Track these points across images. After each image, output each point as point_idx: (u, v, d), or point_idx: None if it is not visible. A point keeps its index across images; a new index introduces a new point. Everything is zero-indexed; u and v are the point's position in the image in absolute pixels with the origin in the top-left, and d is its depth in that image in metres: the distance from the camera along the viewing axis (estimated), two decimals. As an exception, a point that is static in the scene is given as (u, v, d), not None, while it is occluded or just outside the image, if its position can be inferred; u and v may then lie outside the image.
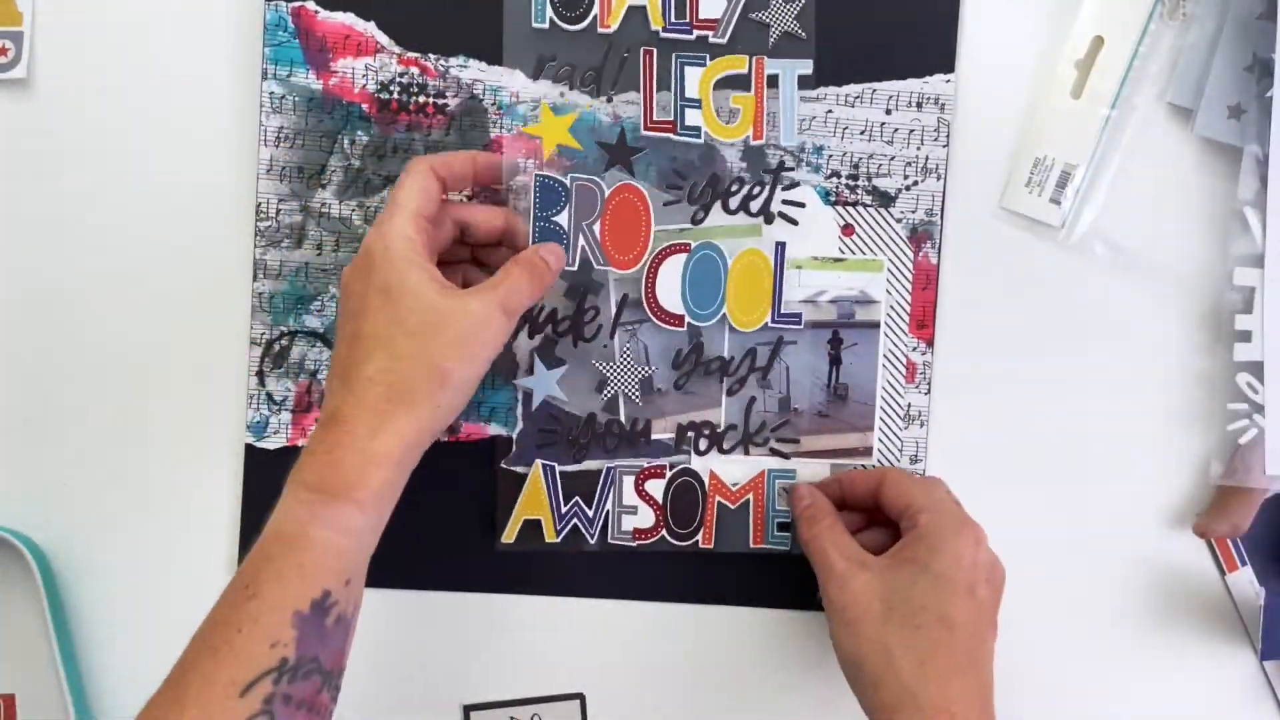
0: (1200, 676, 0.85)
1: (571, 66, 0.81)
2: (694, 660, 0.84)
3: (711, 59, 0.81)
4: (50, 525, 0.83)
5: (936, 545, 0.74)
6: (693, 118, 0.81)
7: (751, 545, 0.83)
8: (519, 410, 0.82)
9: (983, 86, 0.82)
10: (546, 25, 0.81)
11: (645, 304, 0.81)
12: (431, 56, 0.81)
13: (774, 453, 0.83)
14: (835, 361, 0.83)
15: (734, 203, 0.82)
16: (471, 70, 0.81)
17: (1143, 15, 0.81)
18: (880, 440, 0.83)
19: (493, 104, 0.81)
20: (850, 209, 0.82)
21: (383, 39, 0.81)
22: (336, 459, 0.67)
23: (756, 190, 0.82)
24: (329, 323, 0.82)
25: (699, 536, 0.83)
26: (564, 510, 0.82)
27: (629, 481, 0.83)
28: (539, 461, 0.82)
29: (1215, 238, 0.82)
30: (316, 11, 0.80)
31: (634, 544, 0.83)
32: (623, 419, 0.83)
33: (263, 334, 0.82)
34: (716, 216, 0.82)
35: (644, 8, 0.81)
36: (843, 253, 0.82)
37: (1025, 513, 0.83)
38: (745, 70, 0.81)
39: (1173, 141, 0.82)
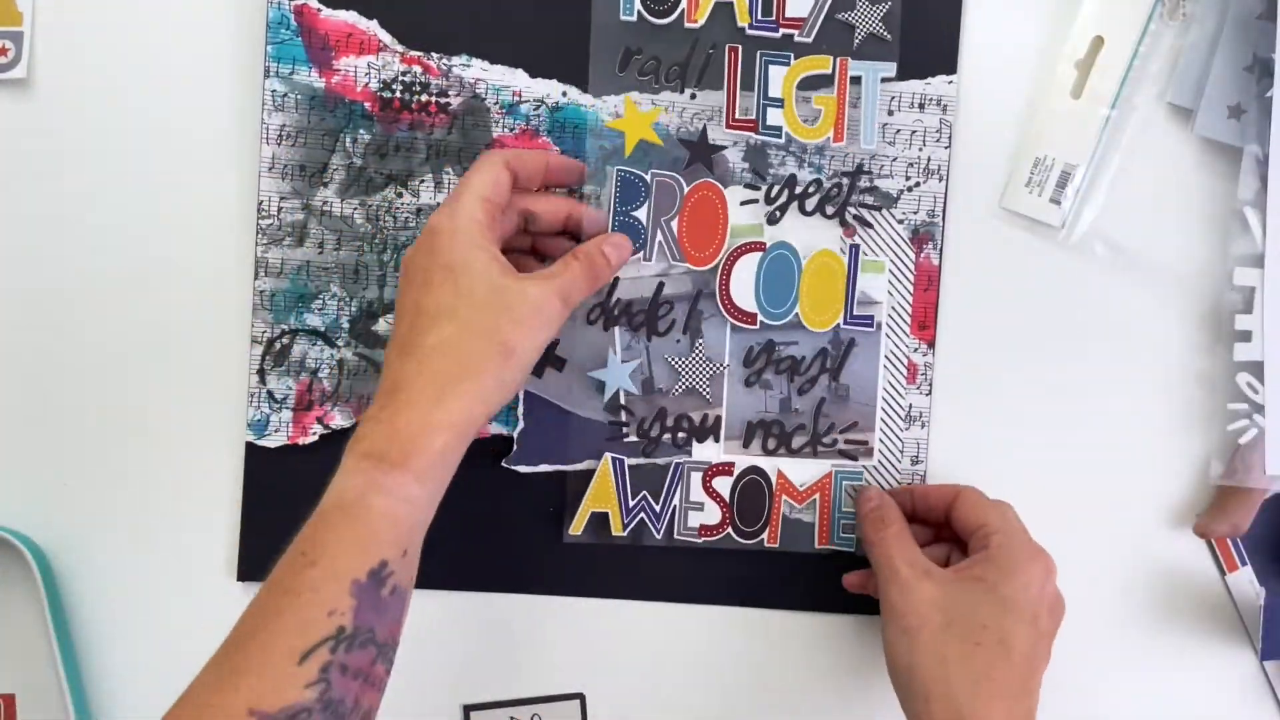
0: (1200, 676, 0.85)
1: (657, 60, 0.81)
2: (694, 660, 0.84)
3: (796, 58, 0.81)
4: (50, 525, 0.83)
5: (1007, 569, 0.74)
6: (774, 117, 0.81)
7: (817, 545, 0.83)
8: (520, 410, 0.82)
9: (983, 87, 0.82)
10: (634, 18, 0.81)
11: (719, 301, 0.82)
12: (434, 55, 0.81)
13: (842, 454, 0.83)
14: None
15: (810, 204, 0.82)
16: (474, 69, 0.81)
17: (1143, 15, 0.81)
18: (881, 440, 0.83)
19: (495, 103, 0.81)
20: (852, 210, 0.82)
21: (385, 37, 0.81)
22: (397, 428, 0.67)
23: (834, 192, 0.82)
24: (330, 321, 0.82)
25: (764, 535, 0.83)
26: (631, 504, 0.83)
27: (697, 478, 0.83)
28: (609, 455, 0.82)
29: (1215, 238, 0.82)
30: (319, 10, 0.80)
31: (699, 540, 0.83)
32: (693, 415, 0.83)
33: (264, 332, 0.82)
34: (792, 217, 0.82)
35: (731, 4, 0.81)
36: (844, 253, 0.83)
37: (1025, 512, 0.83)
38: (829, 71, 0.81)
39: (1173, 141, 0.82)
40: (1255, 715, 0.85)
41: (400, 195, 0.81)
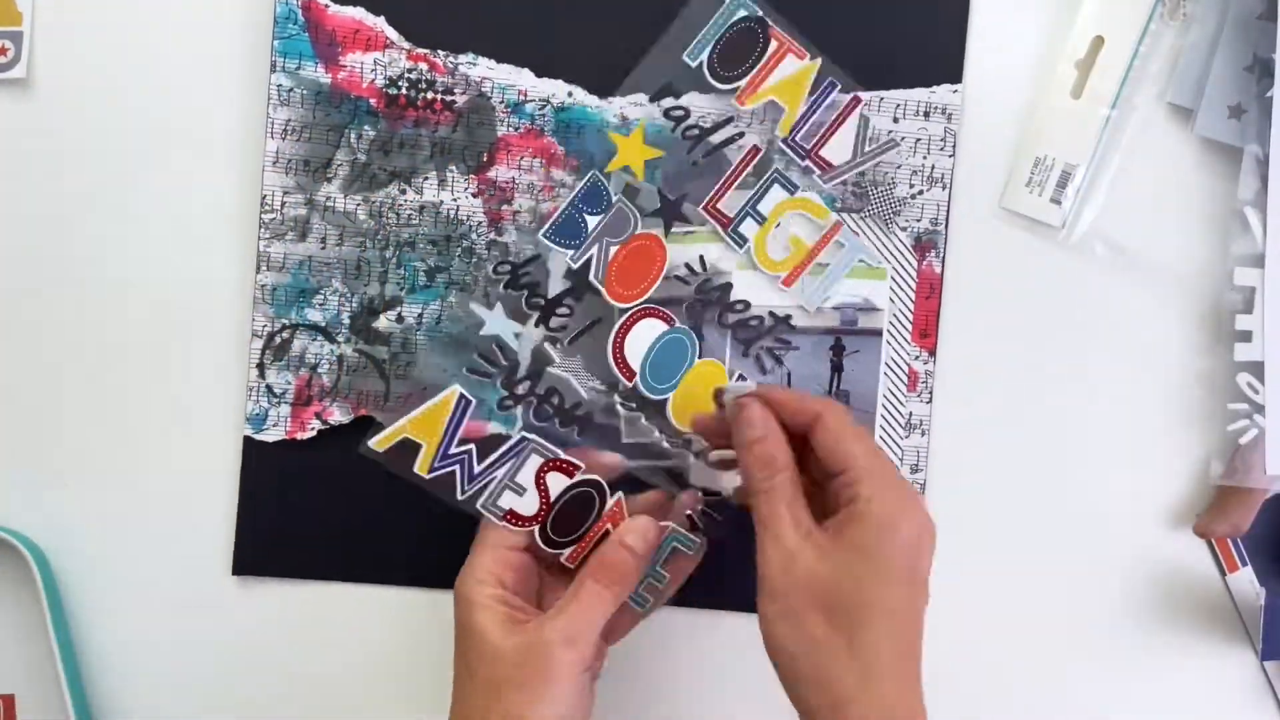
0: (1200, 676, 0.85)
1: (686, 111, 0.81)
2: (694, 660, 0.84)
3: (802, 193, 0.82)
4: (50, 525, 0.82)
5: (883, 531, 0.66)
6: (748, 229, 0.81)
7: None
8: (518, 409, 0.82)
9: (984, 88, 0.83)
10: (694, 64, 0.81)
11: (611, 345, 0.81)
12: (440, 53, 0.81)
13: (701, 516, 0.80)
14: (837, 368, 0.83)
15: (731, 318, 0.82)
16: (480, 68, 0.81)
17: (1143, 15, 0.81)
18: (881, 448, 0.82)
19: (500, 102, 0.81)
20: (855, 216, 0.83)
21: (392, 34, 0.81)
22: None
23: (754, 322, 0.82)
24: (331, 316, 0.81)
25: (565, 553, 0.77)
26: (452, 451, 0.77)
27: (534, 462, 0.77)
28: (459, 389, 0.77)
29: (1215, 238, 0.83)
30: (327, 5, 0.80)
31: (500, 524, 0.76)
32: (567, 398, 0.81)
33: (264, 327, 0.81)
34: (710, 316, 0.82)
35: (783, 109, 0.81)
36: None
37: (1025, 511, 0.84)
38: (824, 223, 0.82)
39: (1173, 141, 0.83)
40: (1255, 715, 0.85)
41: (404, 192, 0.81)
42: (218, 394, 0.82)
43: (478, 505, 0.76)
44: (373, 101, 0.81)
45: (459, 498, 0.76)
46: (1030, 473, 0.84)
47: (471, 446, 0.76)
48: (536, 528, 0.76)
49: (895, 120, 0.82)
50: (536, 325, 0.81)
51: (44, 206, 0.82)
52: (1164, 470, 0.84)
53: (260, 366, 0.82)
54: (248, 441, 0.82)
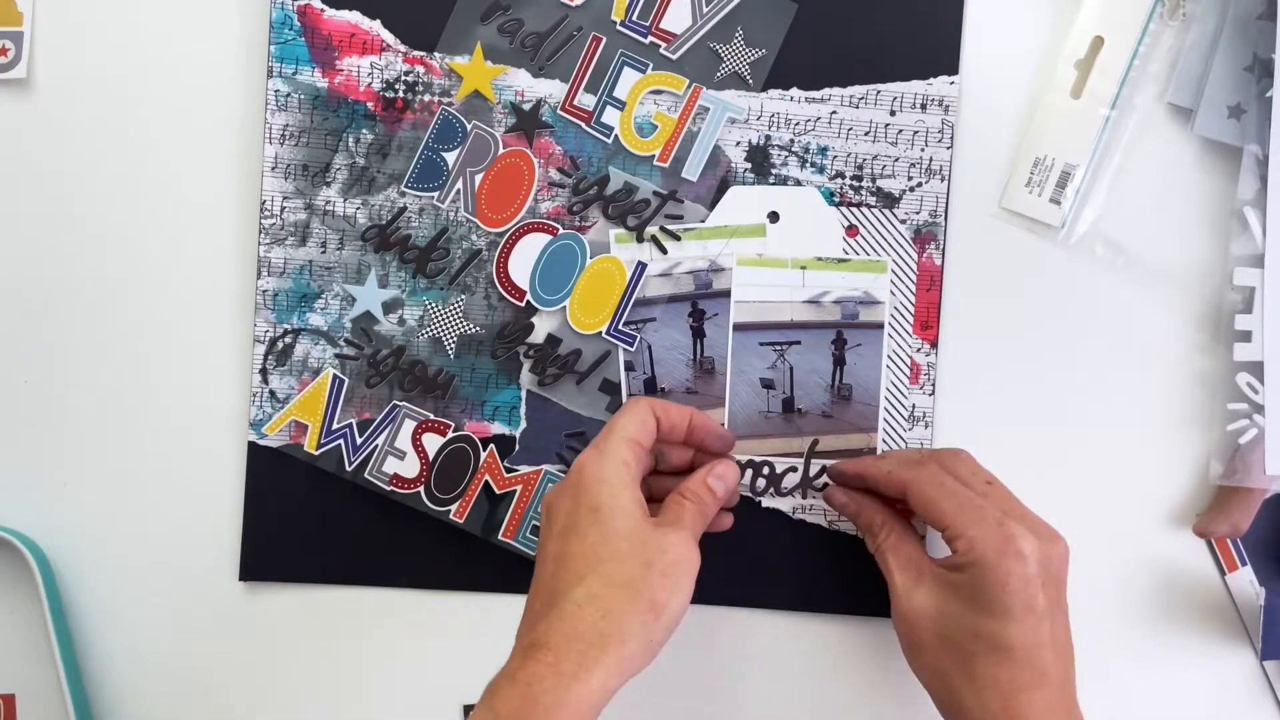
0: (1200, 676, 0.85)
1: (519, 22, 0.81)
2: (693, 660, 0.84)
3: (654, 69, 0.81)
4: (50, 525, 0.82)
5: (980, 575, 0.70)
6: (610, 117, 0.81)
7: (500, 537, 0.82)
8: (522, 409, 0.82)
9: (983, 87, 0.83)
10: None
11: (495, 269, 0.81)
12: (436, 55, 0.81)
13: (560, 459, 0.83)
14: (839, 362, 0.83)
15: (614, 209, 0.82)
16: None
17: (1143, 15, 0.81)
18: (884, 441, 0.83)
19: (498, 103, 0.81)
20: (854, 210, 0.82)
21: (388, 37, 0.81)
22: (535, 696, 0.64)
23: (640, 206, 0.82)
24: (332, 320, 0.82)
25: (453, 508, 0.82)
26: (334, 426, 0.81)
27: (409, 426, 0.82)
28: (331, 371, 0.82)
29: (1215, 238, 0.82)
30: (322, 10, 0.80)
31: (388, 489, 0.81)
32: (431, 367, 0.82)
33: (266, 332, 0.81)
34: (595, 215, 0.82)
35: None
36: (847, 253, 0.82)
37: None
38: (680, 92, 0.82)
39: (1173, 141, 0.83)
40: (1255, 715, 0.85)
41: (403, 195, 0.81)
42: (221, 398, 0.83)
43: (365, 474, 0.80)
44: (370, 105, 0.81)
45: (348, 469, 0.80)
46: (1030, 473, 0.83)
47: (352, 421, 0.81)
48: (421, 488, 0.80)
49: (892, 113, 0.82)
50: (415, 276, 0.82)
51: (44, 207, 0.82)
52: (1164, 470, 0.84)
53: (264, 372, 0.82)
54: (252, 447, 0.82)
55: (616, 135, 0.81)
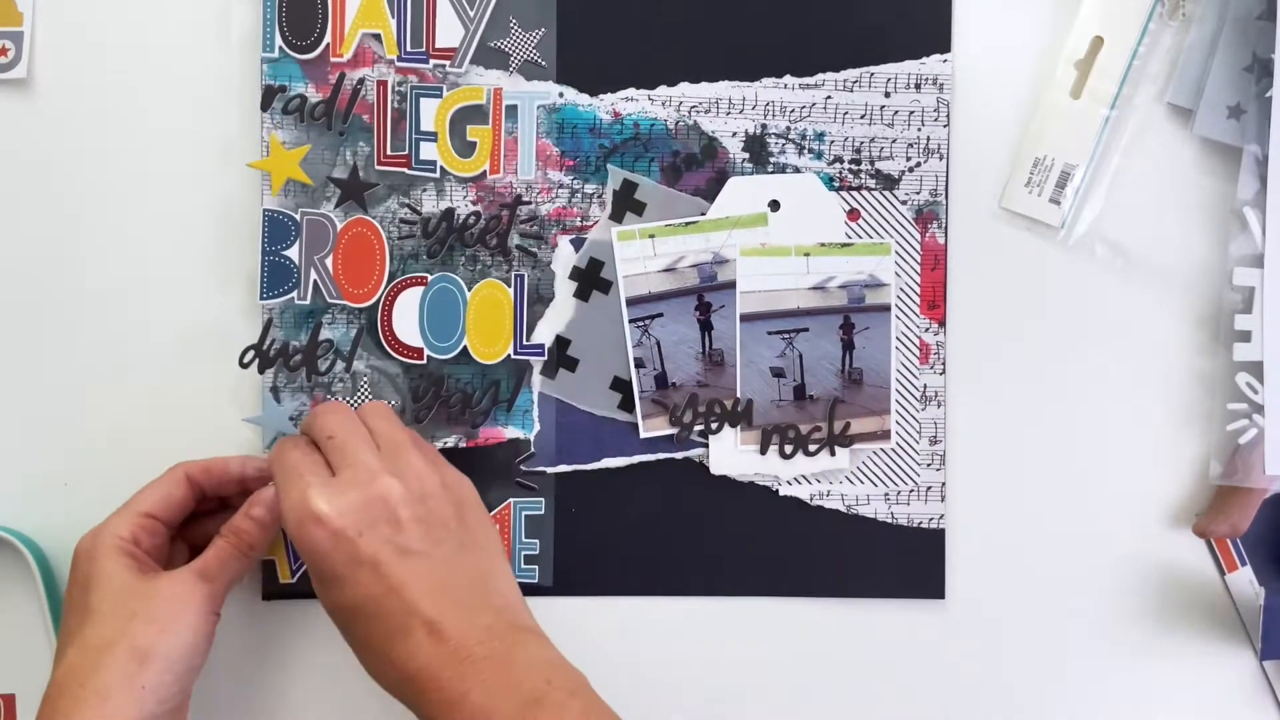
0: (1200, 676, 0.85)
1: (303, 98, 0.81)
2: (693, 659, 0.84)
3: (449, 90, 0.81)
4: (50, 525, 0.83)
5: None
6: (428, 151, 0.81)
7: None
8: (535, 413, 0.82)
9: (983, 87, 0.83)
10: (276, 55, 0.80)
11: (381, 337, 0.81)
12: (431, 63, 0.81)
13: (520, 486, 0.83)
14: (848, 346, 0.82)
15: (470, 236, 0.81)
16: (470, 76, 0.81)
17: (1142, 15, 0.81)
18: (898, 422, 0.83)
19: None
20: (854, 194, 0.82)
21: (380, 49, 0.81)
22: None
23: (492, 224, 0.81)
24: (340, 334, 0.81)
25: None
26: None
27: None
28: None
29: (1215, 238, 0.82)
30: (316, 22, 0.81)
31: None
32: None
33: (274, 345, 0.81)
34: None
35: (379, 36, 0.80)
36: (849, 237, 0.82)
37: (1025, 512, 0.83)
38: (483, 102, 0.81)
39: (1173, 141, 0.82)
40: (1255, 715, 0.85)
41: (402, 206, 0.81)
42: (229, 411, 0.82)
43: None
44: (366, 118, 0.81)
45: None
46: (1029, 473, 0.84)
47: None
48: None
49: (887, 95, 0.82)
50: (309, 380, 0.81)
51: (44, 207, 0.82)
52: (1164, 470, 0.84)
53: (275, 390, 0.81)
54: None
55: (441, 166, 0.81)
